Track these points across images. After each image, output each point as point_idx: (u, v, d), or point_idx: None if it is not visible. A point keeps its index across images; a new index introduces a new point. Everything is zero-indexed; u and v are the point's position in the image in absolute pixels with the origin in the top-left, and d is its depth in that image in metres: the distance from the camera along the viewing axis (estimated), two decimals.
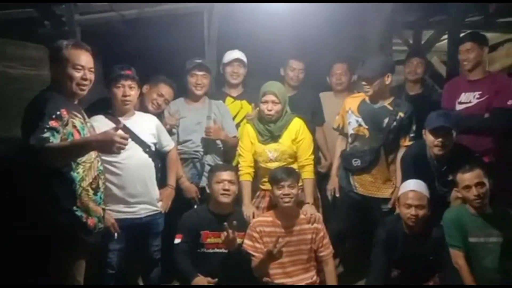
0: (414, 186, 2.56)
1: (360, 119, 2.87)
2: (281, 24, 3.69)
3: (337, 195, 2.98)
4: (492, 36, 4.57)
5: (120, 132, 1.87)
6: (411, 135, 2.86)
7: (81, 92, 2.05)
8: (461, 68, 3.25)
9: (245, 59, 3.28)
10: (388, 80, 2.83)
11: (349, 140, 2.95)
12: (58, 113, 1.88)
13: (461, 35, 3.46)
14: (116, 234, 2.49)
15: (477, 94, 2.95)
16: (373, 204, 2.90)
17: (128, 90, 2.53)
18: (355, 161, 2.87)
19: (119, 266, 2.57)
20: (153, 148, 2.64)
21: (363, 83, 2.83)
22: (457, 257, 2.50)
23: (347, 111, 2.92)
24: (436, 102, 3.20)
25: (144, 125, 2.64)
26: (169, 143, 2.79)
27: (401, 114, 2.83)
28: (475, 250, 2.50)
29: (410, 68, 3.38)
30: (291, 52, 3.42)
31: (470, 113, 2.93)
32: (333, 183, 3.02)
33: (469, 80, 3.02)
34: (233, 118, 3.19)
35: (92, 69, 2.07)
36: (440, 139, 2.59)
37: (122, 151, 2.37)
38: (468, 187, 2.47)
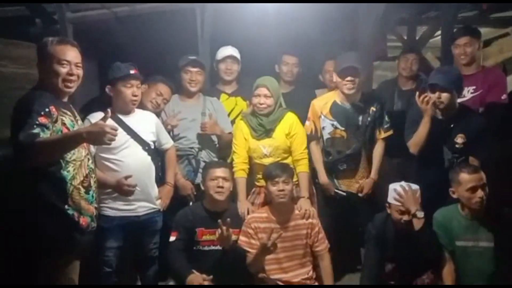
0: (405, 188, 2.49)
1: (335, 122, 2.88)
2: (274, 21, 3.68)
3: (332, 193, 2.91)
4: (485, 32, 4.59)
5: (110, 122, 1.87)
6: (385, 126, 2.92)
7: (69, 88, 2.02)
8: (455, 63, 3.26)
9: (238, 56, 3.27)
10: (364, 76, 2.87)
11: (325, 144, 2.93)
12: (47, 110, 1.86)
13: (455, 30, 3.47)
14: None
15: (471, 88, 2.96)
16: (355, 199, 2.95)
17: (136, 90, 2.55)
18: (341, 165, 2.91)
19: (116, 264, 2.56)
20: (152, 146, 2.63)
21: (349, 79, 2.76)
22: None
23: (320, 116, 2.89)
24: None
25: (144, 123, 2.64)
26: (168, 141, 2.79)
27: (372, 109, 2.87)
28: (463, 254, 2.47)
29: (405, 64, 3.36)
30: (285, 48, 3.41)
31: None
32: (331, 189, 2.92)
33: (463, 74, 3.01)
34: (228, 115, 3.18)
35: (79, 65, 2.04)
36: (436, 95, 2.58)
37: (122, 149, 2.46)
38: (474, 188, 2.36)
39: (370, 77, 3.78)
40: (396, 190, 2.48)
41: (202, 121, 2.95)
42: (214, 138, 3.03)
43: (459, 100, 2.94)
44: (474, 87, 2.95)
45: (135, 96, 2.54)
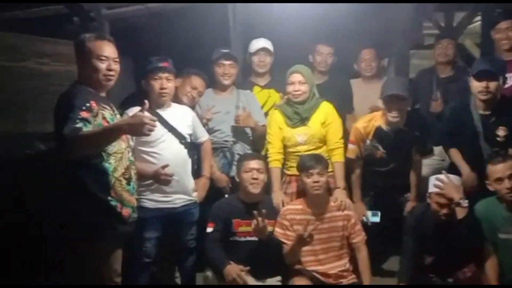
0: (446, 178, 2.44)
1: (377, 145, 2.83)
2: (307, 12, 3.64)
3: (366, 220, 2.84)
4: None
5: (147, 113, 1.89)
6: (423, 149, 2.86)
7: (108, 83, 2.07)
8: (496, 48, 3.14)
9: (271, 48, 3.25)
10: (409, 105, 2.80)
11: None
12: (88, 104, 1.92)
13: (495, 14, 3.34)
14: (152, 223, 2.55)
15: None
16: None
17: (165, 82, 2.55)
18: (380, 181, 2.90)
19: (155, 254, 2.61)
20: (188, 140, 2.66)
21: (394, 107, 2.66)
22: None
23: (365, 141, 2.84)
24: (468, 84, 3.10)
25: (181, 116, 2.67)
26: (203, 135, 2.82)
27: (416, 133, 2.80)
28: (505, 247, 2.40)
29: (440, 50, 3.29)
30: (319, 38, 3.37)
31: (508, 94, 2.83)
32: (361, 211, 2.85)
33: (505, 60, 2.90)
34: (261, 107, 3.18)
35: (117, 60, 2.08)
36: (483, 83, 2.47)
37: (160, 142, 2.51)
38: (500, 179, 2.35)
39: (406, 66, 3.70)
40: (438, 178, 2.42)
41: (236, 114, 2.96)
42: (248, 130, 3.04)
43: None
44: None
45: (163, 88, 2.54)
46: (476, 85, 2.51)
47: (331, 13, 3.68)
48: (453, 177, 2.43)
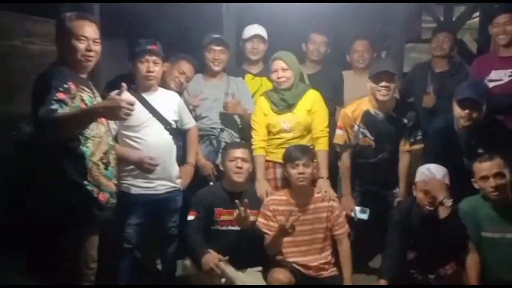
0: (433, 173, 2.44)
1: (365, 131, 2.78)
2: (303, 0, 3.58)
3: (353, 215, 2.80)
4: None
5: (126, 97, 1.85)
6: (417, 138, 2.78)
7: (87, 64, 2.02)
8: (492, 44, 3.09)
9: (265, 35, 3.19)
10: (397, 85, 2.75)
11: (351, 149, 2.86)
12: (65, 86, 1.87)
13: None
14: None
15: (509, 71, 2.81)
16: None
17: (152, 65, 2.51)
18: (366, 171, 2.84)
19: (136, 240, 2.59)
20: (174, 126, 2.63)
21: (383, 84, 2.63)
22: None
23: (353, 126, 2.79)
24: (464, 79, 3.05)
25: (166, 102, 2.63)
26: (190, 121, 2.78)
27: (405, 120, 2.75)
28: (489, 245, 2.39)
29: (436, 43, 3.24)
30: (313, 26, 3.31)
31: (501, 92, 2.78)
32: (349, 205, 2.81)
33: (501, 56, 2.88)
34: (253, 95, 3.13)
35: (98, 40, 2.03)
36: (466, 111, 2.46)
37: (144, 127, 2.47)
38: (485, 177, 2.34)
39: (401, 59, 3.65)
40: (427, 168, 2.44)
41: (224, 101, 2.92)
42: (237, 118, 3.00)
43: (494, 84, 2.82)
44: None
45: (149, 72, 2.50)
46: (459, 111, 2.49)
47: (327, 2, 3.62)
48: (439, 172, 2.41)
